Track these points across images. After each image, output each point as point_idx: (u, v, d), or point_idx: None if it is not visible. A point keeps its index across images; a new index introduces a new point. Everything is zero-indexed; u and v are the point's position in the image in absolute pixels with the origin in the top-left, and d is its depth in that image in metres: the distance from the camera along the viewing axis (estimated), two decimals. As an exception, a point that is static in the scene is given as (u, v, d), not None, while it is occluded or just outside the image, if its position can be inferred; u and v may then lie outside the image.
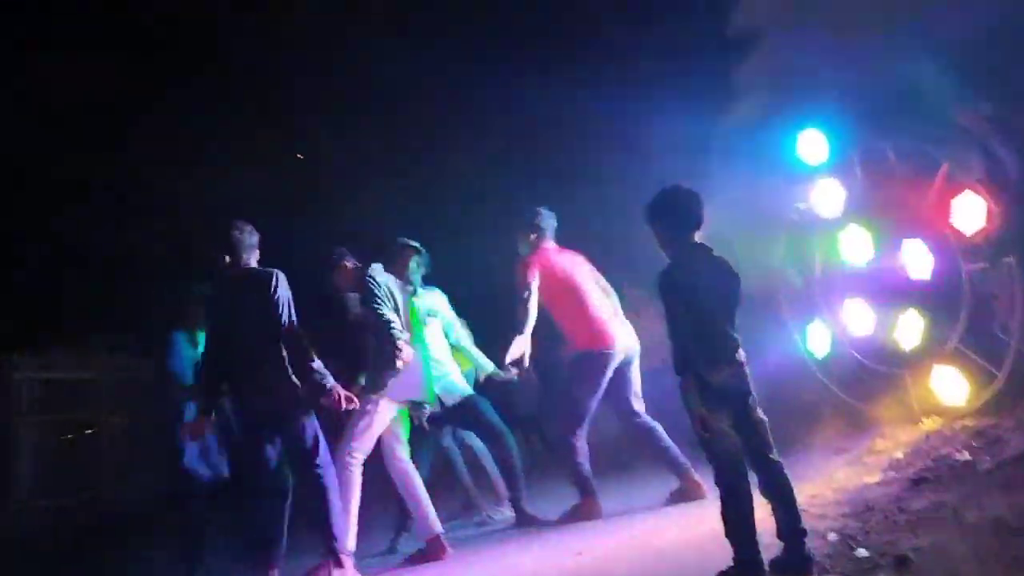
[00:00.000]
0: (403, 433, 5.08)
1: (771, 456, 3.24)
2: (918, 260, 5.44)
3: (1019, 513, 3.22)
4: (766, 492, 3.22)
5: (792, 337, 6.21)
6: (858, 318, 5.87)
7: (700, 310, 3.27)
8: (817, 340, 6.14)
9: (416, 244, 5.64)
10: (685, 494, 5.00)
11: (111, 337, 9.46)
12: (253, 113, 10.18)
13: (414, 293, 5.53)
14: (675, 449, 5.08)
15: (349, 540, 4.65)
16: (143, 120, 10.01)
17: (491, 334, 6.06)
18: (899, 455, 4.80)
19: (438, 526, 4.91)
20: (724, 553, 3.16)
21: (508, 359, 5.34)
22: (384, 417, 4.89)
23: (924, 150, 5.57)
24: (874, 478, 4.44)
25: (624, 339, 5.30)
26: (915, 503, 3.76)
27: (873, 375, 5.83)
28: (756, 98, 7.02)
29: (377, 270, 5.08)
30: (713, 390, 3.22)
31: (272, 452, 4.62)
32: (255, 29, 9.81)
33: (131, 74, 9.38)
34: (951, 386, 5.26)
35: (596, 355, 5.20)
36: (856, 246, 5.90)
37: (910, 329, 5.52)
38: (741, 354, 3.31)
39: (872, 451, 5.11)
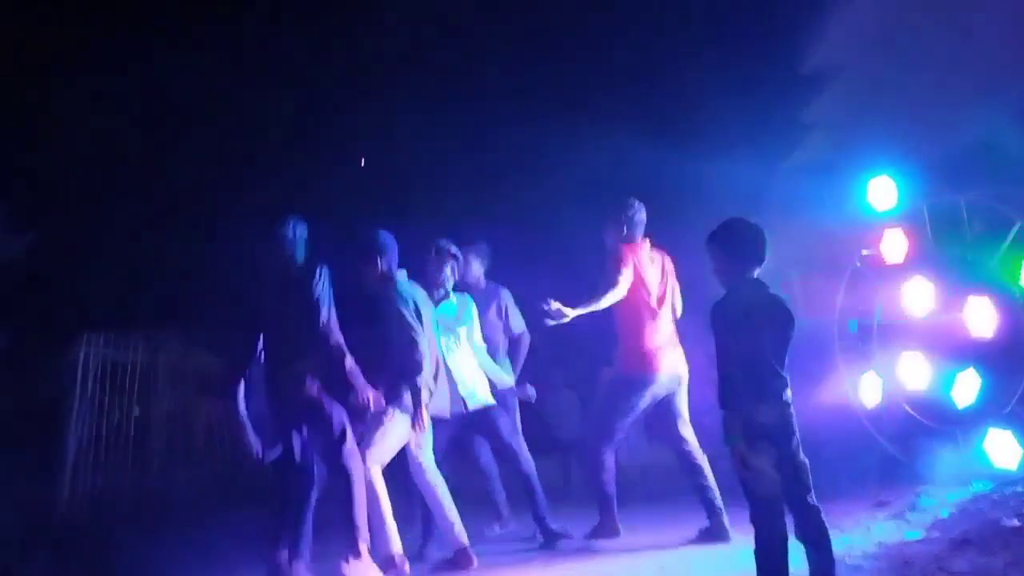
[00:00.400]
0: (427, 442, 4.98)
1: (809, 499, 3.20)
2: (982, 317, 5.33)
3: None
4: (802, 535, 3.17)
5: (844, 384, 6.10)
6: (914, 371, 5.76)
7: (751, 346, 3.24)
8: (869, 390, 6.03)
9: (455, 249, 5.46)
10: (711, 535, 4.86)
11: (179, 329, 9.75)
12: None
13: (445, 298, 5.40)
14: (715, 491, 4.93)
15: (394, 543, 4.62)
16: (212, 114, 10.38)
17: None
18: (944, 514, 4.68)
19: (464, 538, 4.88)
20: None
21: (559, 314, 4.92)
22: (401, 430, 4.78)
23: (997, 207, 5.48)
24: (916, 535, 4.33)
25: (672, 366, 5.10)
26: (957, 564, 3.67)
27: (923, 431, 5.71)
28: (827, 139, 6.98)
29: (402, 278, 4.98)
30: (757, 428, 3.19)
31: (300, 442, 4.66)
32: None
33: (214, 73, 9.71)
34: (1005, 450, 5.13)
35: (638, 378, 5.05)
36: (918, 298, 5.79)
37: (967, 387, 5.40)
38: (788, 394, 3.27)
39: (916, 508, 4.98)
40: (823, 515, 3.21)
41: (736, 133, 7.55)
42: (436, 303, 5.30)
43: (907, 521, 4.76)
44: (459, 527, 4.88)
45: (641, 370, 5.04)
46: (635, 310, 5.10)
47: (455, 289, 5.52)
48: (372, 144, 10.96)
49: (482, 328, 5.74)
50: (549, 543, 5.20)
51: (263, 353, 4.79)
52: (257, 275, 4.97)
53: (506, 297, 6.02)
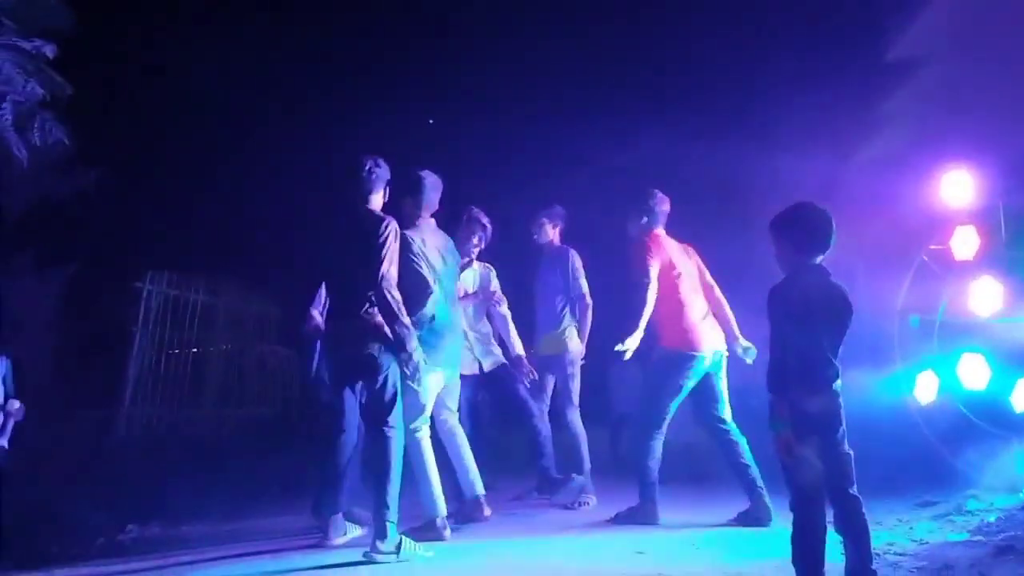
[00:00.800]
0: (452, 401, 5.15)
1: (850, 491, 3.18)
2: (1050, 323, 5.18)
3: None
4: (841, 527, 3.16)
5: (900, 380, 6.00)
6: (973, 372, 5.63)
7: (808, 333, 3.20)
8: (925, 387, 5.92)
9: (485, 219, 5.65)
10: (752, 518, 4.86)
11: (242, 273, 10.01)
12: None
13: (468, 266, 5.58)
14: (755, 469, 4.94)
15: (440, 506, 4.65)
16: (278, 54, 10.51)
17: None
18: (991, 519, 4.60)
19: (480, 488, 5.03)
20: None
21: (625, 353, 5.02)
22: (433, 384, 4.83)
23: (1076, 210, 5.30)
24: (959, 537, 4.27)
25: (713, 343, 5.09)
26: (997, 571, 3.61)
27: (978, 433, 5.59)
28: (903, 131, 6.80)
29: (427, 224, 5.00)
30: (804, 416, 3.16)
31: (352, 400, 4.61)
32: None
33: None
34: (1061, 460, 5.01)
35: (682, 356, 5.04)
36: (985, 298, 5.65)
37: (1028, 393, 5.28)
38: (838, 384, 3.24)
39: (962, 510, 4.90)
40: (864, 508, 3.19)
41: (811, 124, 7.39)
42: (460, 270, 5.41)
43: (951, 523, 4.69)
44: (476, 478, 5.05)
45: (684, 348, 5.03)
46: (671, 291, 5.12)
47: (479, 258, 5.80)
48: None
49: (541, 290, 6.00)
50: (547, 489, 5.41)
51: (328, 301, 4.77)
52: (328, 220, 4.87)
53: (574, 259, 6.11)
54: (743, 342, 5.17)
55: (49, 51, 5.81)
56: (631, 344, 4.96)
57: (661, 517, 5.01)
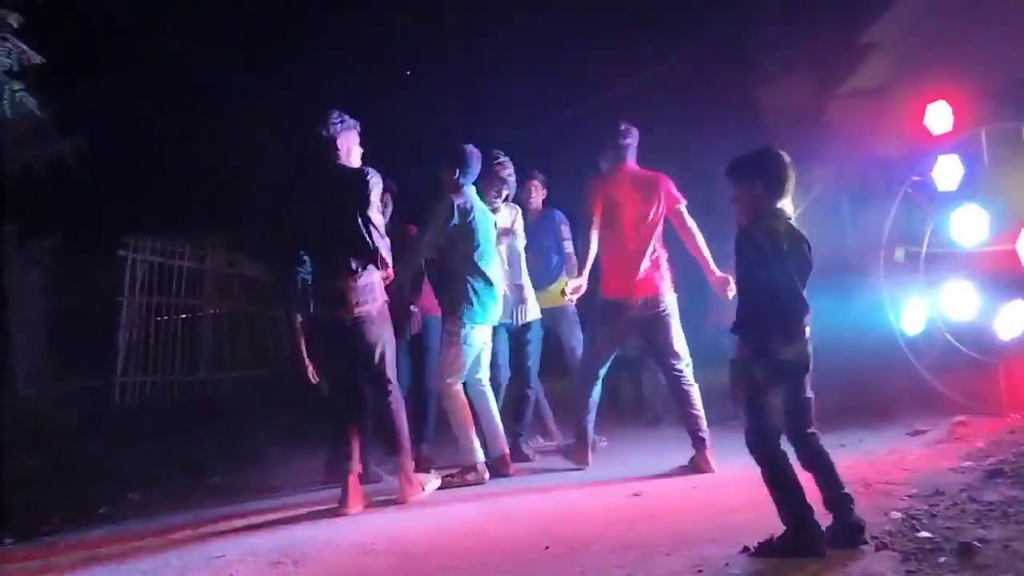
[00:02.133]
0: (485, 356, 5.20)
1: (809, 431, 3.20)
2: (1033, 249, 5.22)
3: (1096, 520, 3.15)
4: (806, 464, 3.17)
5: (886, 312, 6.05)
6: (959, 301, 5.68)
7: (779, 270, 3.16)
8: (912, 318, 5.98)
9: (506, 173, 5.62)
10: (696, 466, 4.81)
11: (224, 234, 9.94)
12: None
13: (495, 210, 5.55)
14: (701, 420, 4.85)
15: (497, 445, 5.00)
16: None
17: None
18: (979, 445, 4.69)
19: (504, 446, 5.13)
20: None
21: (566, 299, 5.34)
22: (474, 340, 4.99)
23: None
24: (949, 464, 4.36)
25: (647, 290, 4.92)
26: (988, 495, 3.69)
27: (965, 361, 5.67)
28: (885, 61, 6.76)
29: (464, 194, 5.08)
30: (778, 360, 3.15)
31: (344, 362, 4.57)
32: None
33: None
34: (1047, 383, 5.10)
35: (615, 304, 4.98)
36: (969, 227, 5.67)
37: (1012, 319, 5.34)
38: (807, 330, 3.23)
39: (951, 437, 5.00)
40: (820, 440, 3.20)
41: (792, 55, 7.33)
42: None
43: (941, 450, 4.78)
44: (501, 436, 5.14)
45: (617, 295, 4.97)
46: (610, 236, 5.03)
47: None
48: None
49: (535, 251, 6.05)
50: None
51: (313, 262, 4.70)
52: (302, 179, 4.83)
53: (562, 220, 6.22)
54: (719, 274, 4.95)
55: (14, 20, 5.66)
56: (571, 287, 5.11)
57: (617, 463, 5.13)
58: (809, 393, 3.24)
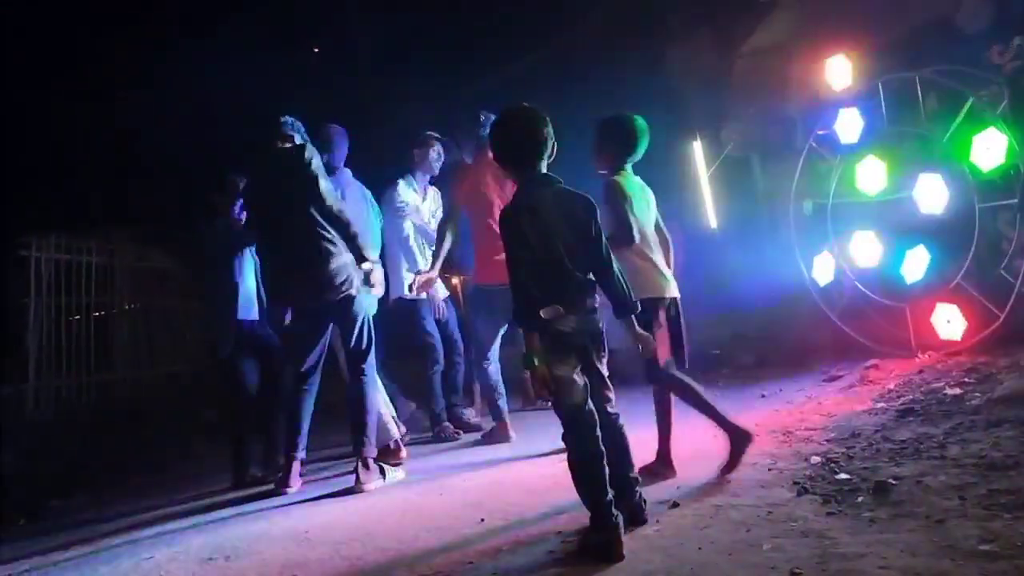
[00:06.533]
0: None
1: (609, 409, 3.01)
2: (932, 195, 5.42)
3: (1002, 450, 3.30)
4: (606, 442, 2.91)
5: (797, 264, 6.23)
6: (865, 250, 5.90)
7: (542, 250, 2.89)
8: (822, 269, 6.18)
9: (437, 135, 5.78)
10: (491, 437, 5.20)
11: (132, 227, 9.59)
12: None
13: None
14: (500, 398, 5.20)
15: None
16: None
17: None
18: (891, 386, 4.89)
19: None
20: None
21: (413, 293, 5.49)
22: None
23: (951, 84, 5.50)
24: (863, 407, 4.53)
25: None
26: (900, 433, 3.85)
27: (874, 307, 5.89)
28: (786, 20, 6.90)
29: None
30: (560, 341, 2.88)
31: (313, 347, 4.57)
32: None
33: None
34: (950, 323, 5.32)
35: (487, 290, 5.05)
36: (871, 177, 5.87)
37: (916, 264, 5.55)
38: (595, 300, 2.99)
39: (864, 381, 5.19)
40: (621, 420, 3.08)
41: (695, 16, 7.41)
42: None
43: (856, 393, 4.96)
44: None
45: (488, 280, 5.04)
46: (478, 225, 5.15)
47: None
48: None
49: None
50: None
51: (264, 252, 4.73)
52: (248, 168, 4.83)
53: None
54: None
55: None
56: (417, 285, 5.25)
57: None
58: (604, 369, 3.02)
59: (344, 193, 5.00)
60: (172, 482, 5.63)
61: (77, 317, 8.57)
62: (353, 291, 4.46)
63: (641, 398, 3.85)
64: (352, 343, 4.51)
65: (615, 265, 3.04)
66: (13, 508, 5.35)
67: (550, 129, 3.03)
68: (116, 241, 9.24)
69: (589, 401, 2.89)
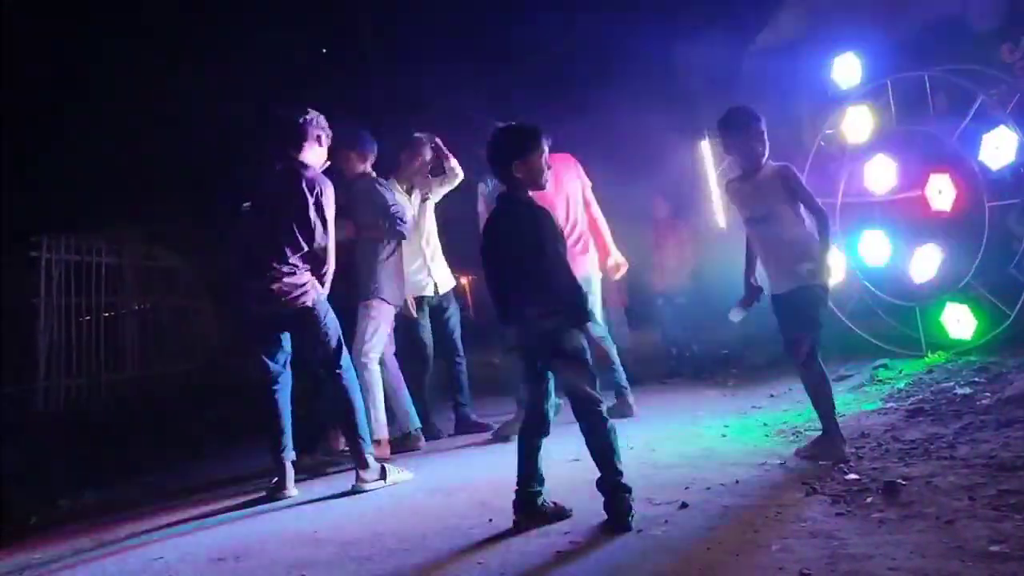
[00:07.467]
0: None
1: (580, 419, 3.23)
2: (942, 194, 5.40)
3: (1012, 450, 3.29)
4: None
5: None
6: (874, 249, 5.87)
7: (491, 265, 3.28)
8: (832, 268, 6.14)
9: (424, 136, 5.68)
10: (618, 413, 5.06)
11: (141, 228, 9.63)
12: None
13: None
14: (622, 375, 5.23)
15: (381, 430, 4.96)
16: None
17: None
18: (900, 385, 4.87)
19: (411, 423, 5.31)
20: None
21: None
22: (388, 318, 5.16)
23: (961, 82, 5.47)
24: (873, 406, 4.52)
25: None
26: (910, 433, 3.84)
27: (883, 306, 5.86)
28: (795, 18, 6.87)
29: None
30: (519, 344, 3.26)
31: (274, 350, 4.49)
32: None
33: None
34: (960, 322, 5.30)
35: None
36: (880, 176, 5.84)
37: (926, 263, 5.53)
38: (531, 311, 3.18)
39: (873, 380, 5.17)
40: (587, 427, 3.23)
41: (706, 13, 7.39)
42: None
43: (865, 393, 4.95)
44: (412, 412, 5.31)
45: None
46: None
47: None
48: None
49: None
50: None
51: (245, 253, 4.60)
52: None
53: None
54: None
55: None
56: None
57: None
58: (548, 376, 3.27)
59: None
60: (182, 481, 5.64)
61: (88, 318, 8.62)
62: (308, 302, 4.36)
63: (642, 398, 3.84)
64: (315, 353, 4.45)
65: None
66: (23, 507, 5.36)
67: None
68: (125, 241, 9.29)
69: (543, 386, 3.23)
